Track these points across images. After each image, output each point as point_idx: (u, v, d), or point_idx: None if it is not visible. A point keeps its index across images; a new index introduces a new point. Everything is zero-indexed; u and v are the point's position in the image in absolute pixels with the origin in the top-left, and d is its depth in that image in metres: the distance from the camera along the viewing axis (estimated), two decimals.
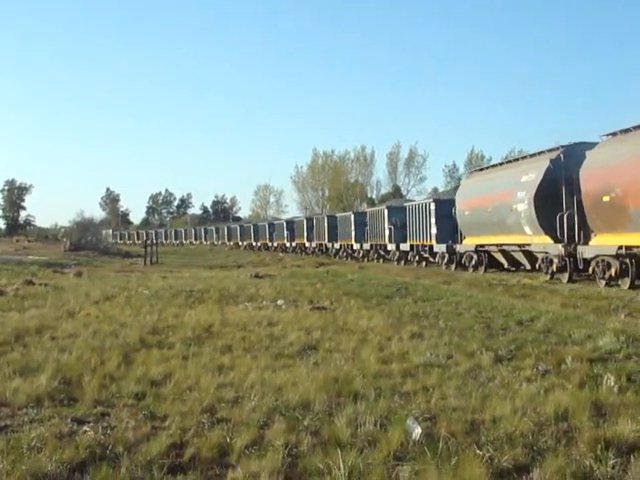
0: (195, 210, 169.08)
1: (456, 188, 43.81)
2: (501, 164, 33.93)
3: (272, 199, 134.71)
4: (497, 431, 6.49)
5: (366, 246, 51.35)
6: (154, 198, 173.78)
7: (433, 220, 38.17)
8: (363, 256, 52.44)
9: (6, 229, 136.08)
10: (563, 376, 8.69)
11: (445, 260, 37.55)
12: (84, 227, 68.53)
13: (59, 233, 71.85)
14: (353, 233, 53.93)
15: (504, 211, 29.25)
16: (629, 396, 7.59)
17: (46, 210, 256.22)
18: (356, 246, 53.61)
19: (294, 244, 71.69)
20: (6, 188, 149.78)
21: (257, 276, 29.77)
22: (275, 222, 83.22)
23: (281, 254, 68.64)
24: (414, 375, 8.99)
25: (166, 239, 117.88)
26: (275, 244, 77.81)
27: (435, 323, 13.98)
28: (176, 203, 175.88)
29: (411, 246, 42.00)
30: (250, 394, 8.03)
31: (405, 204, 45.54)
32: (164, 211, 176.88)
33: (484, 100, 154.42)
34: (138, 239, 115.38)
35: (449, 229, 36.79)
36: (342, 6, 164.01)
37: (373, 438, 6.39)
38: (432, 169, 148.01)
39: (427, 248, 39.76)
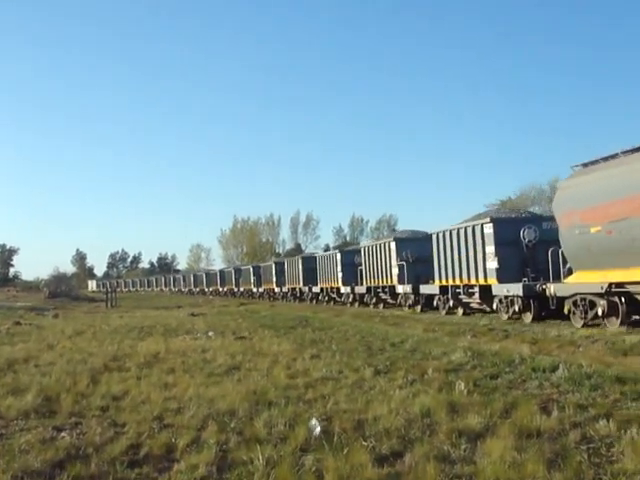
0: (145, 265, 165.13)
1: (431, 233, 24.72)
2: None
3: (203, 255, 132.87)
4: (377, 427, 6.46)
5: (360, 289, 32.60)
6: (113, 256, 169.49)
7: (490, 249, 20.01)
8: (353, 301, 33.83)
9: None
10: (426, 384, 8.70)
11: (515, 308, 19.01)
12: (59, 280, 67.03)
13: (40, 284, 69.61)
14: (340, 275, 35.27)
15: None
16: (475, 397, 7.64)
17: (30, 266, 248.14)
18: (344, 289, 34.80)
19: (261, 289, 53.83)
20: None
21: (193, 314, 29.28)
22: (242, 267, 64.56)
23: (211, 297, 64.74)
24: (314, 386, 8.89)
25: (118, 287, 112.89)
26: (241, 289, 60.69)
27: (329, 346, 13.91)
28: (130, 259, 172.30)
29: (442, 288, 23.27)
30: (189, 405, 7.82)
31: (431, 232, 25.03)
32: (121, 266, 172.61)
33: (361, 170, 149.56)
34: (97, 288, 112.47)
35: (516, 262, 19.69)
36: (262, 80, 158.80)
37: (284, 435, 6.30)
38: (324, 230, 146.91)
39: (476, 290, 21.15)
